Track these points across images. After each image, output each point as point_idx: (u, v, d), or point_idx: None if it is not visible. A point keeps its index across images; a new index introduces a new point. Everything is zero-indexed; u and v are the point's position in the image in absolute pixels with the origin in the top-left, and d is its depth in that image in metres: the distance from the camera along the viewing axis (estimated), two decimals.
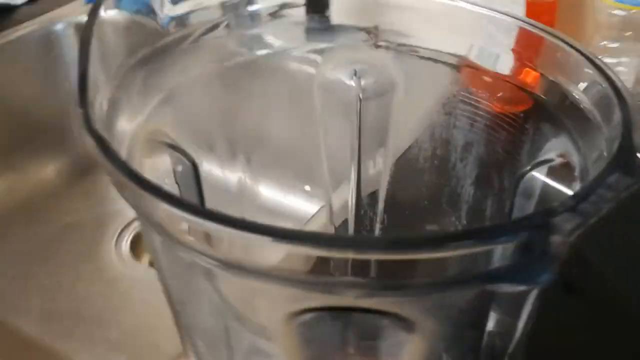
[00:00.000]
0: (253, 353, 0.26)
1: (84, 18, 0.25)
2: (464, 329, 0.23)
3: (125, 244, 0.72)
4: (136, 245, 0.73)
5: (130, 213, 0.74)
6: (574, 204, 0.19)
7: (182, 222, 0.20)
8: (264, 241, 0.18)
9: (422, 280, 0.19)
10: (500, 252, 0.20)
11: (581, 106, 0.25)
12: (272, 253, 0.19)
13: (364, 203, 0.37)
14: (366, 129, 0.34)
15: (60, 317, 0.62)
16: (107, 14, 0.26)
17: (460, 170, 0.34)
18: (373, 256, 0.19)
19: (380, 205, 0.36)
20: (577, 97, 0.26)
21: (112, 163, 0.21)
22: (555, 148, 0.27)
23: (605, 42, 0.53)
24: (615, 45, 0.53)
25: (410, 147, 0.34)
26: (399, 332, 0.21)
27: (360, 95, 0.33)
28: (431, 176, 0.35)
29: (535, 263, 0.20)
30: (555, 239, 0.19)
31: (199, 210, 0.20)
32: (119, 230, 0.73)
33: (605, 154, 0.22)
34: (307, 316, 0.21)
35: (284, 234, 0.18)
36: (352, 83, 0.33)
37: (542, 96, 0.28)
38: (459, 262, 0.19)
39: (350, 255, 0.19)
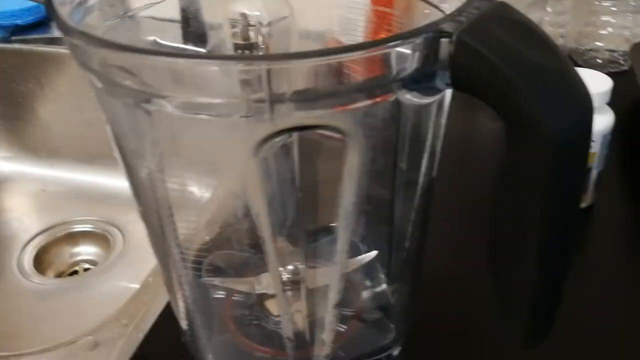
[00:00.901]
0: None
1: None
2: (383, 144, 0.29)
3: (28, 262, 0.72)
4: (40, 260, 0.73)
5: (27, 234, 0.75)
6: (453, 16, 0.26)
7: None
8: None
9: (347, 88, 0.25)
10: (403, 64, 0.26)
11: None
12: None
13: None
14: None
15: None
16: None
17: None
18: (308, 61, 0.25)
19: None
20: None
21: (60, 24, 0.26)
22: None
23: None
24: None
25: None
26: (336, 150, 0.27)
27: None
28: None
29: (432, 72, 0.27)
30: (444, 41, 0.26)
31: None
32: (18, 251, 0.74)
33: None
34: (266, 149, 0.27)
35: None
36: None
37: None
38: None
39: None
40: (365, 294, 0.41)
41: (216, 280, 0.38)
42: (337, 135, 0.27)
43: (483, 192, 0.29)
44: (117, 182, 0.81)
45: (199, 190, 0.33)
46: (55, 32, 0.80)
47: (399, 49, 0.26)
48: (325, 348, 0.35)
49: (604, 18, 0.78)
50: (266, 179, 0.28)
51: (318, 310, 0.36)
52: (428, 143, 0.31)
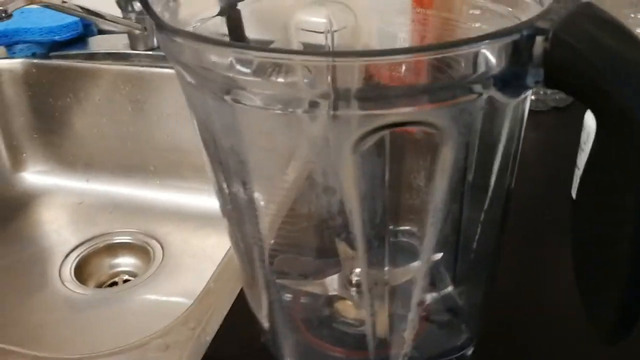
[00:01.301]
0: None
1: None
2: (478, 143, 0.30)
3: (69, 273, 0.73)
4: (80, 272, 0.74)
5: (67, 246, 0.76)
6: (546, 14, 0.27)
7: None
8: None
9: (442, 85, 0.26)
10: (494, 61, 0.27)
11: None
12: None
13: None
14: None
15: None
16: None
17: None
18: (405, 58, 0.26)
19: None
20: None
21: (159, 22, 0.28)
22: None
23: None
24: None
25: None
26: (429, 147, 0.27)
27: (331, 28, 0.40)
28: None
29: (524, 70, 0.28)
30: (539, 39, 0.27)
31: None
32: (59, 263, 0.74)
33: None
34: (364, 145, 0.28)
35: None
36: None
37: None
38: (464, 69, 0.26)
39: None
40: (433, 296, 0.41)
41: (291, 283, 0.39)
42: (431, 131, 0.28)
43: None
44: (154, 194, 0.82)
45: (282, 189, 0.34)
46: (93, 48, 0.81)
47: (494, 46, 0.27)
48: (405, 346, 0.36)
49: None
50: (361, 176, 0.29)
51: (399, 308, 0.36)
52: (507, 145, 0.32)
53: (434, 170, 0.30)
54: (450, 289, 0.42)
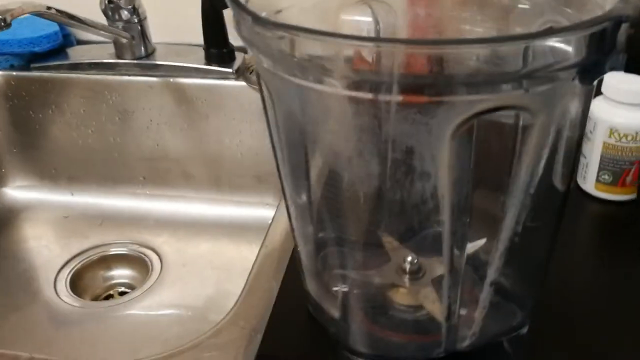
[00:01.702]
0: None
1: None
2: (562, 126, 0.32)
3: (66, 286, 0.71)
4: (75, 285, 0.72)
5: (59, 260, 0.74)
6: (623, 5, 0.29)
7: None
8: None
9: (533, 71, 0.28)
10: (581, 49, 0.29)
11: None
12: None
13: None
14: None
15: None
16: None
17: None
18: (480, 47, 0.28)
19: None
20: None
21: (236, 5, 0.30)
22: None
23: None
24: None
25: None
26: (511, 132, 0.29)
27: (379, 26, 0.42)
28: None
29: (606, 57, 0.30)
30: (624, 26, 0.29)
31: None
32: (53, 278, 0.72)
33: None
34: (461, 131, 0.29)
35: None
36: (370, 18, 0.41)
37: None
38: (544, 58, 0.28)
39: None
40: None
41: (353, 273, 0.40)
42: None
43: None
44: (144, 204, 0.81)
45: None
46: (75, 58, 0.80)
47: (583, 35, 0.29)
48: (474, 325, 0.37)
49: None
50: (456, 161, 0.31)
51: (465, 290, 0.38)
52: (579, 130, 0.34)
53: (521, 151, 0.31)
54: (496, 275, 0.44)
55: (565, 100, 0.31)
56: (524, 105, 0.30)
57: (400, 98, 0.29)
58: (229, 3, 0.32)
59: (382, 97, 0.30)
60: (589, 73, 0.31)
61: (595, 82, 0.33)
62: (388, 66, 0.28)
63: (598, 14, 0.33)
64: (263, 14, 0.38)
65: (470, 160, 0.33)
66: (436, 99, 0.29)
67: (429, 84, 0.28)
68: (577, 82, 0.31)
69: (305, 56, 0.30)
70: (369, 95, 0.30)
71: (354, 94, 0.31)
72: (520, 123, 0.33)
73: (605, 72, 0.31)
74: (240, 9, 0.31)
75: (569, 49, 0.30)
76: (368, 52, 0.28)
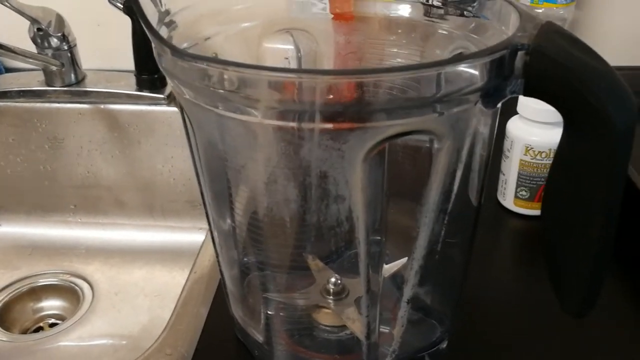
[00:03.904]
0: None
1: None
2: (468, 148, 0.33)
3: None
4: (3, 318, 0.71)
5: None
6: (523, 31, 0.31)
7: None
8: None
9: (439, 97, 0.30)
10: (483, 74, 0.31)
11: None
12: None
13: None
14: None
15: None
16: None
17: None
18: (398, 75, 0.29)
19: None
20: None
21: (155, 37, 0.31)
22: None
23: None
24: None
25: None
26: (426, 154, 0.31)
27: (300, 53, 0.43)
28: None
29: (506, 81, 0.32)
30: (520, 53, 0.31)
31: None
32: None
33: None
34: (372, 155, 0.30)
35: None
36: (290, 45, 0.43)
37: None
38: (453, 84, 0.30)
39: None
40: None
41: (278, 296, 0.40)
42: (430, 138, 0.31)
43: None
44: (76, 232, 0.80)
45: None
46: (3, 86, 0.78)
47: (486, 61, 0.31)
48: (394, 343, 0.38)
49: None
50: (367, 184, 0.32)
51: (385, 309, 0.39)
52: (485, 150, 0.36)
53: (430, 173, 0.33)
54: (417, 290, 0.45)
55: (471, 123, 0.33)
56: (431, 130, 0.31)
57: (322, 126, 0.30)
58: (149, 35, 0.32)
59: (305, 126, 0.31)
60: (492, 97, 0.33)
61: (499, 105, 0.34)
62: (310, 96, 0.29)
63: (499, 37, 0.35)
64: (184, 45, 0.39)
65: (384, 182, 0.34)
66: (358, 125, 0.30)
67: (350, 112, 0.29)
68: (479, 105, 0.32)
69: (227, 88, 0.30)
70: (292, 124, 0.31)
71: (277, 123, 0.32)
72: (435, 145, 0.34)
73: (506, 96, 0.33)
74: (160, 41, 0.32)
75: (476, 73, 0.31)
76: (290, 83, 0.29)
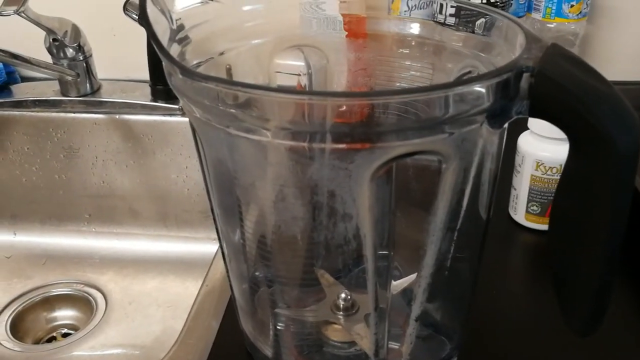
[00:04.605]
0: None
1: None
2: (476, 167, 0.34)
3: (6, 330, 0.70)
4: (17, 328, 0.71)
5: (0, 303, 0.73)
6: (528, 53, 0.31)
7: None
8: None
9: (445, 118, 0.30)
10: (490, 96, 0.31)
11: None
12: None
13: None
14: None
15: None
16: None
17: None
18: (407, 97, 0.29)
19: None
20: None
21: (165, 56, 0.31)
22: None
23: None
24: None
25: None
26: (435, 172, 0.31)
27: (311, 70, 0.43)
28: None
29: (512, 103, 0.32)
30: (525, 75, 0.31)
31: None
32: None
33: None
34: (379, 174, 0.30)
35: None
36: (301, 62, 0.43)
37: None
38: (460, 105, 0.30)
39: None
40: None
41: (288, 311, 0.41)
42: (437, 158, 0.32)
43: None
44: (90, 242, 0.81)
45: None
46: (19, 95, 0.79)
47: (492, 82, 0.31)
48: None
49: None
50: (375, 202, 0.32)
51: (394, 325, 0.39)
52: (493, 170, 0.36)
53: (437, 192, 0.33)
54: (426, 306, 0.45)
55: (478, 143, 0.33)
56: (437, 150, 0.31)
57: (332, 146, 0.31)
58: (159, 54, 0.33)
59: (315, 146, 0.31)
60: (498, 117, 0.33)
61: (505, 125, 0.35)
62: (321, 117, 0.29)
63: (507, 57, 0.35)
64: (198, 60, 0.40)
65: (391, 200, 0.34)
66: (368, 146, 0.30)
67: (359, 133, 0.30)
68: (486, 125, 0.33)
69: (237, 108, 0.31)
70: (303, 144, 0.31)
71: (287, 143, 0.32)
72: (442, 165, 0.34)
73: (512, 117, 0.33)
74: (170, 60, 0.32)
75: (483, 93, 0.31)
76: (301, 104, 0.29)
